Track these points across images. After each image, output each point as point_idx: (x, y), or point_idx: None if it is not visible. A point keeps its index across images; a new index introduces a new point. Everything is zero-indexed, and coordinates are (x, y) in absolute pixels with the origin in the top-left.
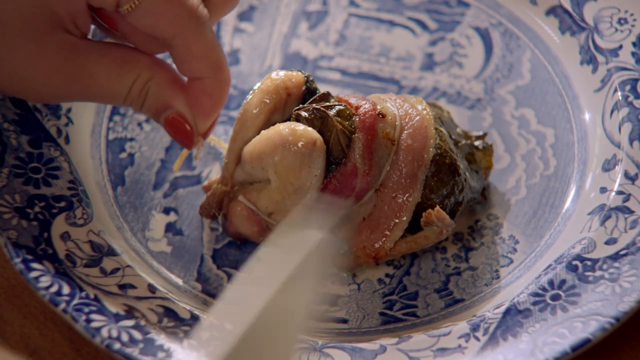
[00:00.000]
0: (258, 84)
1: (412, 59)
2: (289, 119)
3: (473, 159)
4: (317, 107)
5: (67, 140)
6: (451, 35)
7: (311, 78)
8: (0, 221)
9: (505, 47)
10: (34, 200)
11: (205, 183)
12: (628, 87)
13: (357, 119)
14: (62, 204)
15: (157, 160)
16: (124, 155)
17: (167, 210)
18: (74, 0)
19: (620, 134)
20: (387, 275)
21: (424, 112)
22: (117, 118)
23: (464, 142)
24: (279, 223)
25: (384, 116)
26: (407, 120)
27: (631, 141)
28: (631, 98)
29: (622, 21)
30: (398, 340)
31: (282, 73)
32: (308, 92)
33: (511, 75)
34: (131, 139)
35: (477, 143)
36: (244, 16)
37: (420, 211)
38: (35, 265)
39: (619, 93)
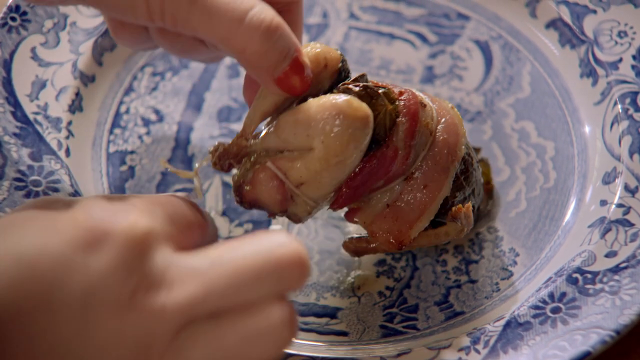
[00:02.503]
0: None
1: (412, 71)
2: (319, 92)
3: None
4: (367, 84)
5: (67, 153)
6: (451, 48)
7: (345, 59)
8: None
9: (505, 60)
10: None
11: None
12: (628, 100)
13: (402, 104)
14: None
15: (157, 173)
16: (124, 168)
17: None
18: None
19: (621, 147)
20: (387, 288)
21: (453, 111)
22: (117, 131)
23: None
24: (304, 195)
25: (424, 106)
26: (441, 114)
27: (631, 154)
28: (631, 111)
29: (622, 34)
30: (398, 353)
31: (321, 45)
32: (342, 71)
33: (511, 88)
34: (132, 152)
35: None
36: None
37: (443, 207)
38: None
39: (619, 106)
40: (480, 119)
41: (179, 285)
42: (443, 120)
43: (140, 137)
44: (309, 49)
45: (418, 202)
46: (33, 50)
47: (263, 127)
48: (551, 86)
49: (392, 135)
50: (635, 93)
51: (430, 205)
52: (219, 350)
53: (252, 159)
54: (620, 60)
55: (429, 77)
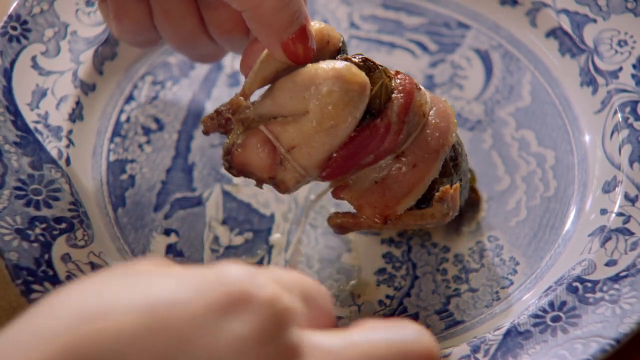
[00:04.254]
0: None
1: None
2: None
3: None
4: (368, 58)
5: (68, 161)
6: (451, 57)
7: (345, 41)
8: (1, 243)
9: (505, 69)
10: (35, 222)
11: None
12: (628, 109)
13: (398, 82)
14: (63, 225)
15: (157, 182)
16: (124, 176)
17: (167, 232)
18: None
19: (621, 156)
20: (387, 296)
21: (446, 103)
22: (117, 140)
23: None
24: (294, 161)
25: (419, 89)
26: (435, 102)
27: (631, 163)
28: (631, 120)
29: (622, 43)
30: None
31: (324, 23)
32: (342, 51)
33: (511, 97)
34: (132, 161)
35: None
36: None
37: (430, 192)
38: (36, 287)
39: (619, 115)
40: (480, 128)
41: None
42: (436, 107)
43: (140, 145)
44: (314, 24)
45: (406, 181)
46: (33, 59)
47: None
48: (551, 95)
49: (386, 109)
50: (636, 102)
51: (419, 184)
52: None
53: (245, 124)
54: (621, 69)
55: (430, 85)
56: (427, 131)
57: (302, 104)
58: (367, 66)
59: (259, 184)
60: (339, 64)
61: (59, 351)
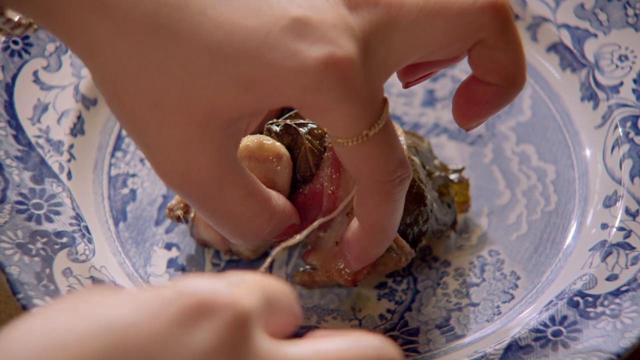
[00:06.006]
0: None
1: (414, 95)
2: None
3: (447, 192)
4: (289, 123)
5: (69, 176)
6: (452, 71)
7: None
8: (2, 257)
9: None
10: (36, 236)
11: (169, 205)
12: (629, 124)
13: (328, 139)
14: (64, 239)
15: (159, 196)
16: (126, 191)
17: (168, 246)
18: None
19: (621, 171)
20: (388, 310)
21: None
22: (119, 154)
23: (438, 174)
24: None
25: None
26: None
27: (632, 177)
28: (632, 134)
29: (622, 58)
30: None
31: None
32: (287, 107)
33: (512, 112)
34: (133, 175)
35: (453, 176)
36: None
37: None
38: (37, 301)
39: (620, 129)
40: (481, 142)
41: None
42: None
43: (142, 160)
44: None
45: None
46: (35, 73)
47: None
48: (552, 110)
49: (318, 171)
50: (636, 117)
51: None
52: None
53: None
54: (621, 83)
55: (430, 100)
56: None
57: None
58: (289, 132)
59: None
60: (251, 140)
61: None
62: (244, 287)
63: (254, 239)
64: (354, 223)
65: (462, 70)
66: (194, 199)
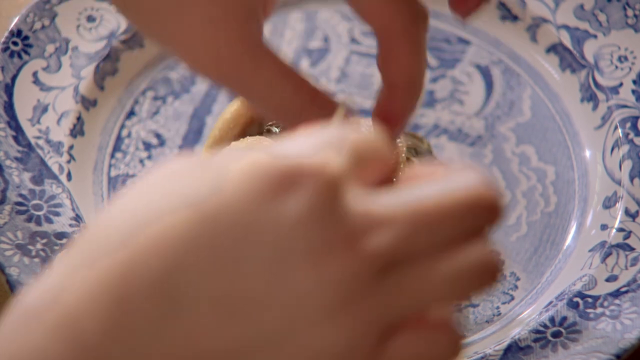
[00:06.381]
0: None
1: None
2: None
3: None
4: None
5: (69, 177)
6: (452, 72)
7: None
8: (2, 258)
9: (505, 85)
10: (36, 237)
11: None
12: (628, 125)
13: None
14: (64, 241)
15: None
16: None
17: None
18: None
19: (621, 171)
20: None
21: (397, 140)
22: (119, 155)
23: None
24: None
25: None
26: None
27: (632, 178)
28: (631, 135)
29: (622, 59)
30: None
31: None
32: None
33: (512, 113)
34: (133, 176)
35: None
36: None
37: None
38: None
39: (620, 130)
40: (480, 143)
41: (380, 229)
42: None
43: (141, 161)
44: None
45: None
46: (35, 74)
47: None
48: (552, 110)
49: None
50: (636, 117)
51: None
52: (422, 295)
53: None
54: (621, 84)
55: (430, 101)
56: None
57: None
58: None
59: None
60: (251, 144)
61: (117, 268)
62: (332, 147)
63: (298, 119)
64: (380, 95)
65: (462, 71)
66: (231, 81)
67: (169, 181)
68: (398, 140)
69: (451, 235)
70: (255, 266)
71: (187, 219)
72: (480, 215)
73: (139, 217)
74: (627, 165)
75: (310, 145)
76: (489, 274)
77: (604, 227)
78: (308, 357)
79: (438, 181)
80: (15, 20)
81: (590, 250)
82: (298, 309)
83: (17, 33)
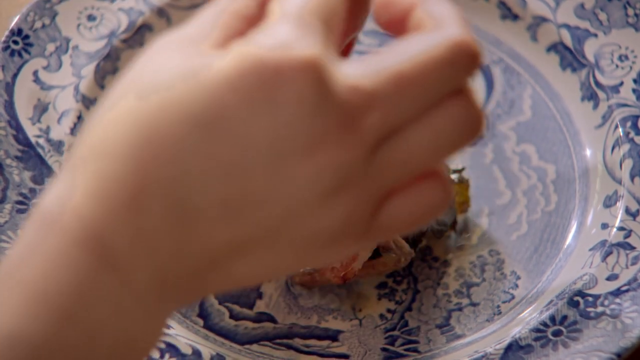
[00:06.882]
0: None
1: None
2: None
3: None
4: None
5: None
6: None
7: None
8: (3, 257)
9: (506, 84)
10: None
11: None
12: (629, 124)
13: None
14: None
15: None
16: None
17: None
18: None
19: (622, 170)
20: (388, 310)
21: None
22: None
23: None
24: None
25: None
26: None
27: (632, 177)
28: (632, 134)
29: (622, 58)
30: None
31: None
32: None
33: (512, 112)
34: None
35: (453, 177)
36: None
37: None
38: None
39: (620, 129)
40: (481, 143)
41: (367, 104)
42: None
43: None
44: None
45: None
46: (35, 73)
47: None
48: (552, 109)
49: None
50: (636, 116)
51: None
52: (411, 164)
53: None
54: (621, 83)
55: None
56: None
57: None
58: None
59: None
60: None
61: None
62: (305, 26)
63: None
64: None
65: None
66: None
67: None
68: None
69: (434, 95)
70: (255, 165)
71: (188, 118)
72: (460, 67)
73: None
74: (628, 164)
75: (287, 32)
76: (472, 127)
77: (604, 226)
78: (307, 239)
79: (416, 37)
80: (16, 19)
81: (590, 249)
82: (297, 200)
83: (18, 32)
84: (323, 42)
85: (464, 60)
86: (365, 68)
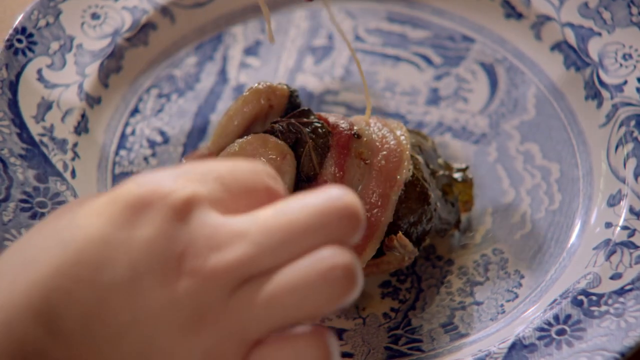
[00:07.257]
0: (244, 92)
1: (418, 93)
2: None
3: (450, 191)
4: (293, 122)
5: (73, 174)
6: (456, 70)
7: (296, 93)
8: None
9: (510, 82)
10: None
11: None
12: (633, 123)
13: (334, 138)
14: None
15: None
16: None
17: None
18: None
19: (625, 169)
20: (392, 309)
21: (402, 137)
22: (123, 152)
23: (442, 172)
24: None
25: (359, 137)
26: (383, 142)
27: (636, 176)
28: (636, 133)
29: (626, 56)
30: None
31: (266, 84)
32: (291, 107)
33: (516, 110)
34: (137, 173)
35: (456, 175)
36: (250, 51)
37: (387, 236)
38: None
39: (624, 128)
40: (485, 141)
41: (228, 246)
42: (385, 147)
43: (145, 158)
44: (252, 91)
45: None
46: (39, 72)
47: None
48: (556, 108)
49: (322, 169)
50: None
51: (373, 234)
52: (276, 305)
53: None
54: (625, 82)
55: (434, 99)
56: (373, 177)
57: None
58: (293, 131)
59: None
60: (255, 139)
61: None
62: (194, 176)
63: None
64: None
65: (466, 69)
66: None
67: (58, 221)
68: (402, 138)
69: (305, 247)
70: (113, 289)
71: (60, 260)
72: (335, 226)
73: (26, 258)
74: (632, 163)
75: (170, 175)
76: (340, 283)
77: (608, 225)
78: None
79: (299, 197)
80: (20, 17)
81: (594, 248)
82: (155, 327)
83: (22, 30)
84: (212, 193)
85: (340, 223)
86: (242, 216)
